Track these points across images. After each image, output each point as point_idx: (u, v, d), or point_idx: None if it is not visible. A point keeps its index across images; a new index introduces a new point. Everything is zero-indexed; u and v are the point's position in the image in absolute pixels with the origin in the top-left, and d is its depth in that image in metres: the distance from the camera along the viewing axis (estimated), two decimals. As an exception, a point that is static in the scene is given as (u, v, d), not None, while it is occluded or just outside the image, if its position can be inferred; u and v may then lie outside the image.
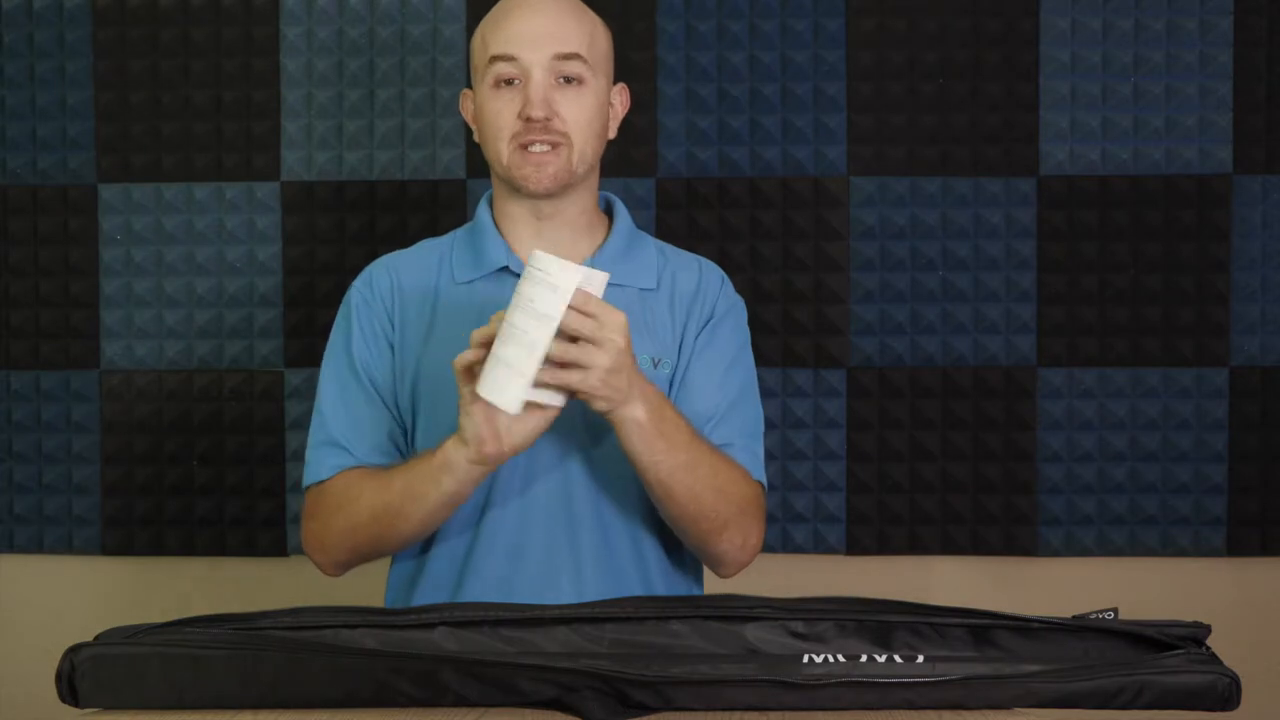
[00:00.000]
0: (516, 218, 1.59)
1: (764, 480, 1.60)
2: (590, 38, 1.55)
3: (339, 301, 1.64)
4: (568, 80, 1.52)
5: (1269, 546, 2.21)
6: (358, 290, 1.62)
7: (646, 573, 1.57)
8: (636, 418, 1.40)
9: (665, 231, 2.17)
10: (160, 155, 2.27)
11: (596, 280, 1.33)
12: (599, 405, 1.38)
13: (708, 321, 1.61)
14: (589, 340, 1.33)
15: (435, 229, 2.23)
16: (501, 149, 1.54)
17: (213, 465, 2.27)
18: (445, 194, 2.25)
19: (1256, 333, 2.20)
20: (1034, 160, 2.21)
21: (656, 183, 2.23)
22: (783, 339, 2.22)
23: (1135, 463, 2.22)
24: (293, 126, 2.25)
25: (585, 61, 1.53)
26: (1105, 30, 2.21)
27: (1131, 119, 2.21)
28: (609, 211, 1.67)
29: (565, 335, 1.32)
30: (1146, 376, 2.21)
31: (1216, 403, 2.21)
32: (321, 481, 1.55)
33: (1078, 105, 2.21)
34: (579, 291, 1.31)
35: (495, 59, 1.53)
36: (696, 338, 1.60)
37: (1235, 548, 2.21)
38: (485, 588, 1.52)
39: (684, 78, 2.23)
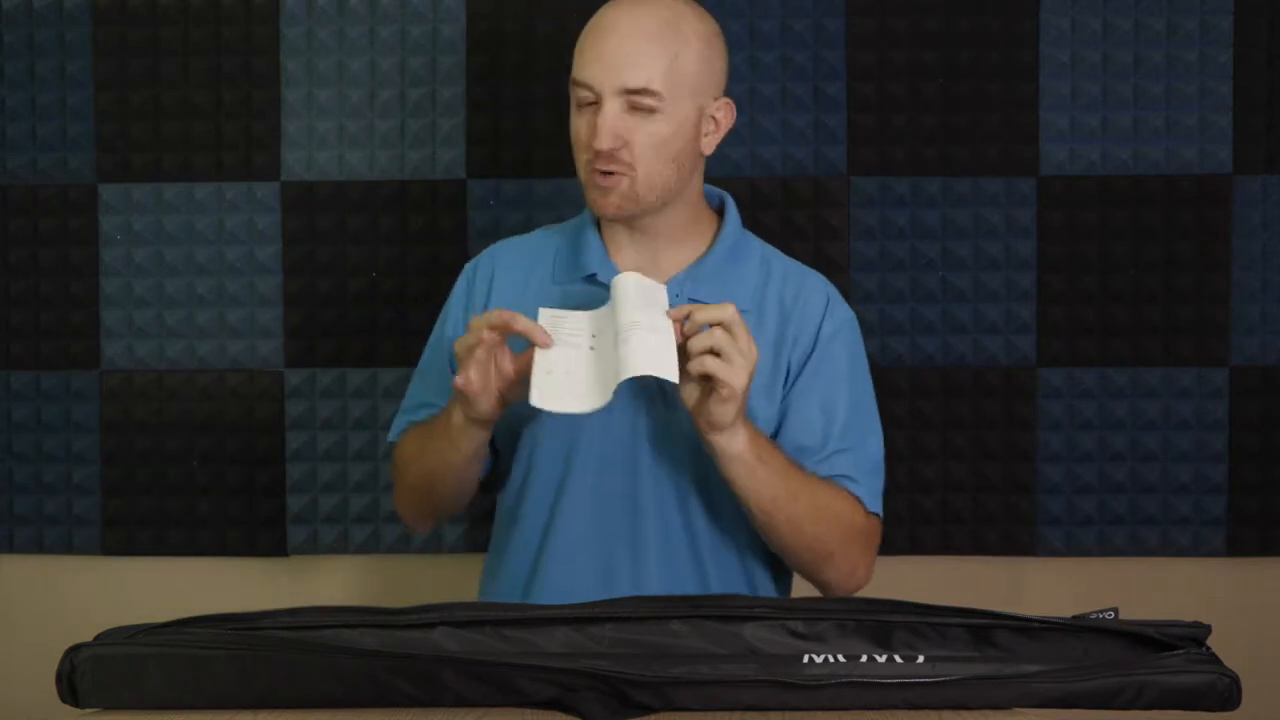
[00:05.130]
0: (614, 226, 1.63)
1: (880, 513, 1.61)
2: (671, 62, 1.52)
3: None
4: (643, 109, 1.52)
5: (1269, 546, 2.21)
6: (462, 279, 1.71)
7: (703, 572, 1.59)
8: (737, 449, 1.45)
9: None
10: (160, 155, 2.27)
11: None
12: (722, 417, 1.42)
13: (809, 354, 1.60)
14: (728, 358, 1.39)
15: (435, 229, 2.24)
16: (581, 171, 1.57)
17: (213, 465, 2.27)
18: (445, 194, 2.24)
19: (1256, 333, 2.20)
20: (1034, 160, 2.21)
21: (656, 183, 2.23)
22: (783, 339, 2.22)
23: (1135, 463, 2.22)
24: (293, 126, 2.25)
25: (658, 95, 1.51)
26: (1105, 30, 2.21)
27: (1131, 119, 2.21)
28: (720, 210, 1.68)
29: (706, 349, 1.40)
30: (1146, 376, 2.21)
31: (1216, 403, 2.21)
32: (393, 444, 1.71)
33: (1078, 105, 2.21)
34: (730, 309, 1.41)
35: (575, 83, 1.55)
36: (799, 372, 1.60)
37: (1235, 548, 2.21)
38: (552, 590, 1.56)
39: (684, 78, 2.23)
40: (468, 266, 1.72)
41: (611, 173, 1.53)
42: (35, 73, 2.27)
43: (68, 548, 2.29)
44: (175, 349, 2.27)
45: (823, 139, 2.22)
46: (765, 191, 2.23)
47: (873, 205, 2.22)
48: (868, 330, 2.21)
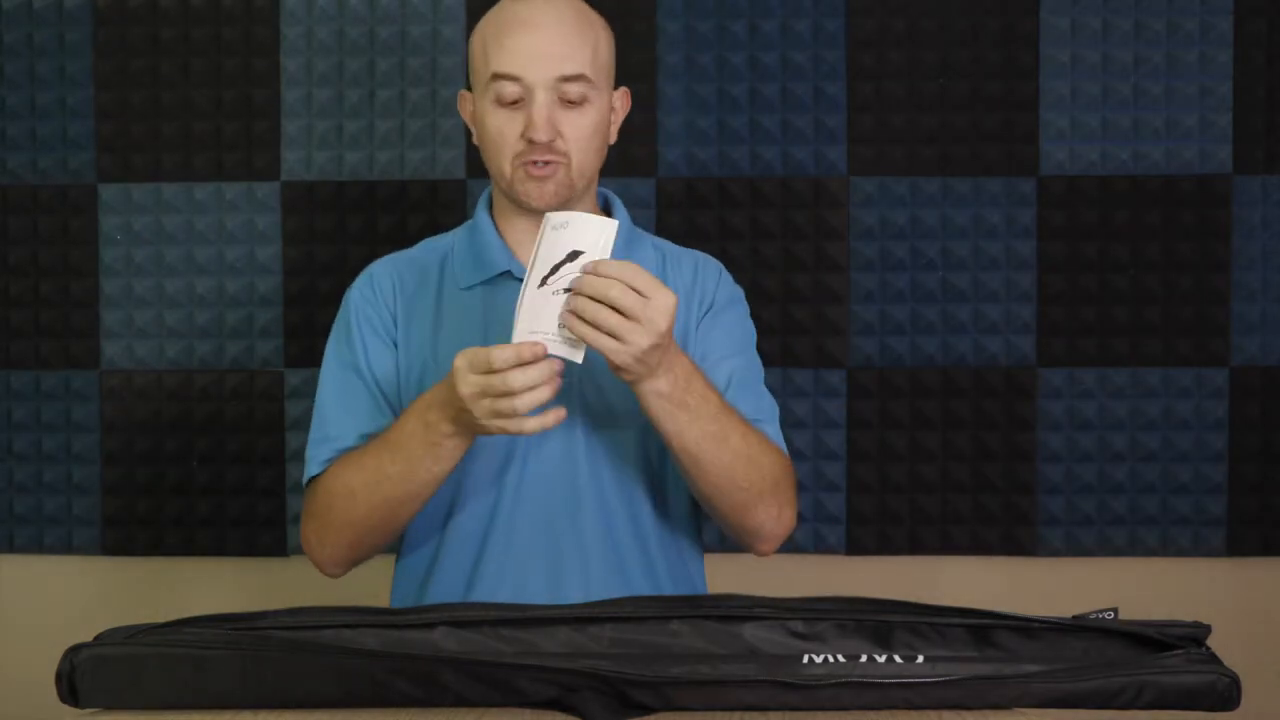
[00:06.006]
0: (517, 223, 1.59)
1: (789, 460, 1.59)
2: (594, 51, 1.52)
3: (339, 301, 1.64)
4: (571, 100, 1.50)
5: (1269, 546, 2.21)
6: (359, 289, 1.62)
7: (652, 568, 1.57)
8: (658, 389, 1.39)
9: (665, 231, 2.17)
10: (160, 155, 2.27)
11: (611, 229, 1.33)
12: (624, 376, 1.37)
13: (708, 311, 1.61)
14: (633, 317, 1.31)
15: (435, 229, 2.22)
16: (505, 167, 1.53)
17: (213, 465, 2.27)
18: (445, 194, 2.25)
19: (1256, 333, 2.20)
20: (1034, 160, 2.21)
21: (656, 183, 2.23)
22: (783, 339, 2.22)
23: (1135, 463, 2.22)
24: (293, 126, 2.25)
25: (589, 81, 1.51)
26: (1105, 30, 2.21)
27: (1131, 119, 2.21)
28: (607, 209, 1.66)
29: (608, 304, 1.31)
30: (1146, 376, 2.21)
31: (1216, 403, 2.21)
32: (315, 478, 1.55)
33: (1078, 105, 2.21)
34: (631, 265, 1.32)
35: (497, 76, 1.50)
36: (698, 327, 1.60)
37: (1235, 548, 2.21)
38: (493, 592, 1.52)
39: (684, 78, 2.23)
40: (359, 280, 1.62)
41: (547, 162, 1.50)
42: (35, 73, 2.27)
43: (68, 548, 2.29)
44: (175, 349, 2.27)
45: (823, 139, 2.22)
46: (765, 191, 2.23)
47: (873, 205, 2.23)
48: (867, 330, 2.22)
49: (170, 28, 2.26)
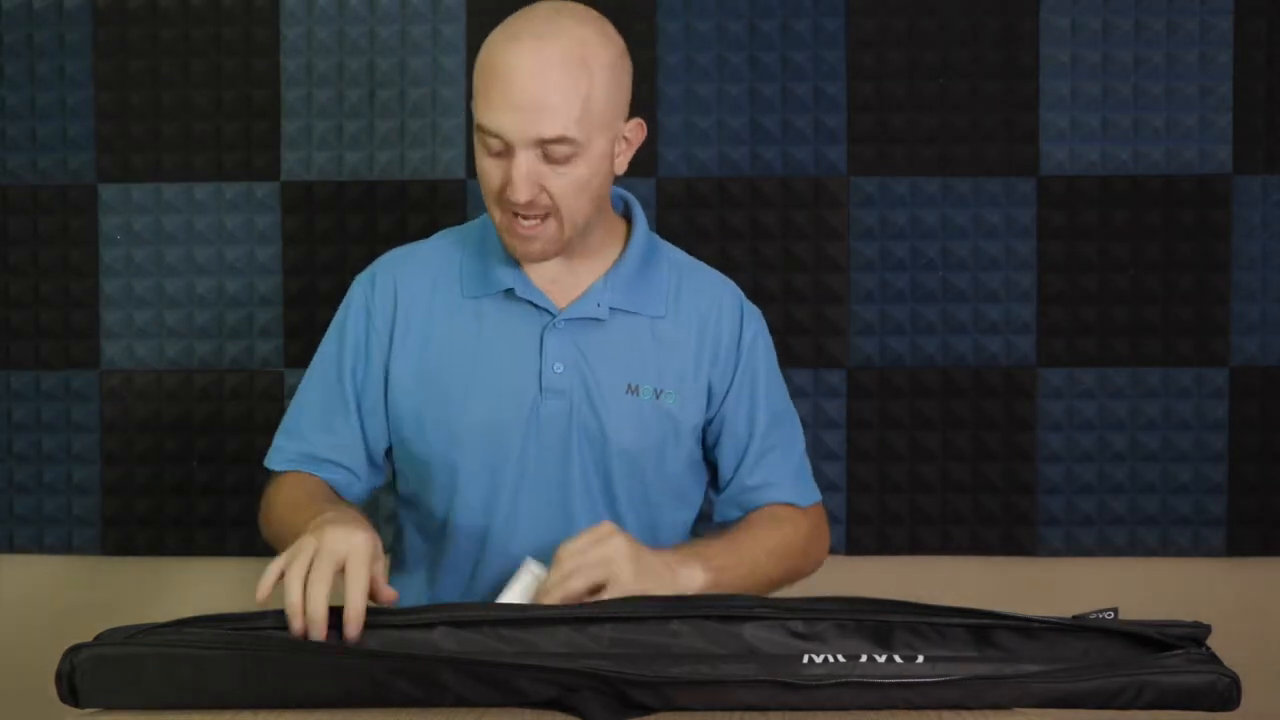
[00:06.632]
0: None
1: (818, 497, 1.65)
2: (584, 103, 1.42)
3: (339, 301, 1.65)
4: (555, 160, 1.44)
5: (1269, 546, 2.21)
6: (359, 290, 1.61)
7: None
8: (700, 586, 1.43)
9: (665, 231, 2.17)
10: (160, 155, 2.27)
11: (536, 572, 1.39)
12: (663, 591, 1.37)
13: (735, 366, 1.61)
14: (596, 565, 1.33)
15: (435, 229, 2.22)
16: (494, 211, 1.50)
17: (213, 465, 2.27)
18: (445, 194, 2.25)
19: (1256, 333, 2.21)
20: (1034, 160, 2.21)
21: (656, 183, 2.23)
22: (783, 339, 2.21)
23: (1135, 463, 2.22)
24: (293, 126, 2.25)
25: (574, 141, 1.42)
26: (1105, 30, 2.21)
27: (1131, 119, 2.21)
28: (626, 214, 1.63)
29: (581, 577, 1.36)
30: (1146, 376, 2.21)
31: (1216, 403, 2.21)
32: (275, 472, 1.59)
33: (1078, 105, 2.21)
34: (557, 554, 1.35)
35: (481, 129, 1.45)
36: (729, 386, 1.60)
37: (1235, 548, 2.21)
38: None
39: (684, 78, 2.23)
40: (362, 278, 1.62)
41: (532, 218, 1.47)
42: (35, 73, 2.27)
43: (68, 548, 2.29)
44: (175, 349, 2.27)
45: (823, 139, 2.22)
46: (765, 191, 2.23)
47: (873, 205, 2.23)
48: (867, 330, 2.22)
49: (170, 28, 2.26)
